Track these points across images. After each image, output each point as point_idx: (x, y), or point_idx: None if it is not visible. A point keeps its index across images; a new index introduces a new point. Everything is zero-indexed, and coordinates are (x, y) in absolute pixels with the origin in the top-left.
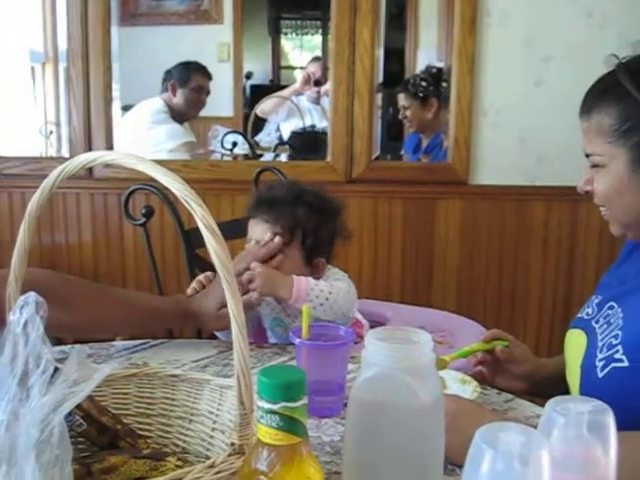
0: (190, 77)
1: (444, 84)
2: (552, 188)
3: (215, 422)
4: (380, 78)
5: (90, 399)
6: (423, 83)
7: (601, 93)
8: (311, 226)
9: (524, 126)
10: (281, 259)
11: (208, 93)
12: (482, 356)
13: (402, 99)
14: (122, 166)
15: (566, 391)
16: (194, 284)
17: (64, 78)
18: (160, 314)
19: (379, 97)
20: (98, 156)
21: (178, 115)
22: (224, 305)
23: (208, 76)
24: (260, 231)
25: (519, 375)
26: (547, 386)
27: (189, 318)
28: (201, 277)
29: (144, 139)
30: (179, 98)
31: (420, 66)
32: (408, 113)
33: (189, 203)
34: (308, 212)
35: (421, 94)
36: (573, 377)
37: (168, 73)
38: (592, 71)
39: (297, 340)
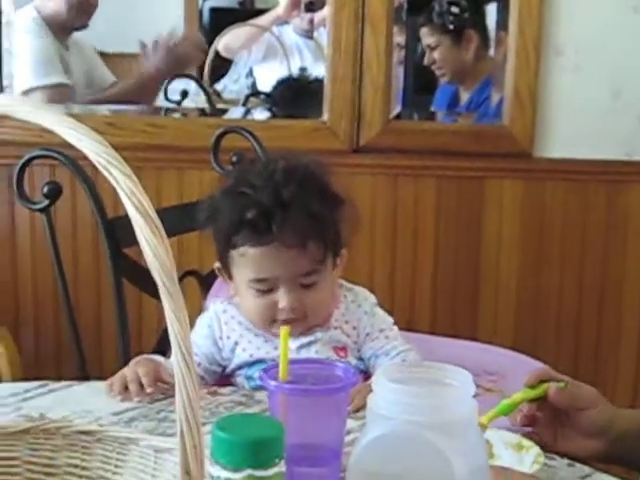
0: None
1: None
2: None
3: None
4: None
5: None
6: (454, 9)
7: None
8: (329, 218)
9: (618, 71)
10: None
11: None
12: (529, 410)
13: (426, 35)
14: (13, 119)
15: None
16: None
17: None
18: None
19: (402, 28)
20: None
21: (60, 26)
22: None
23: None
24: (284, 264)
25: (588, 429)
26: (631, 447)
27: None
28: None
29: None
30: (57, 1)
31: None
32: (436, 55)
33: (113, 174)
34: (321, 200)
35: (452, 26)
36: None
37: None
38: None
39: (271, 383)
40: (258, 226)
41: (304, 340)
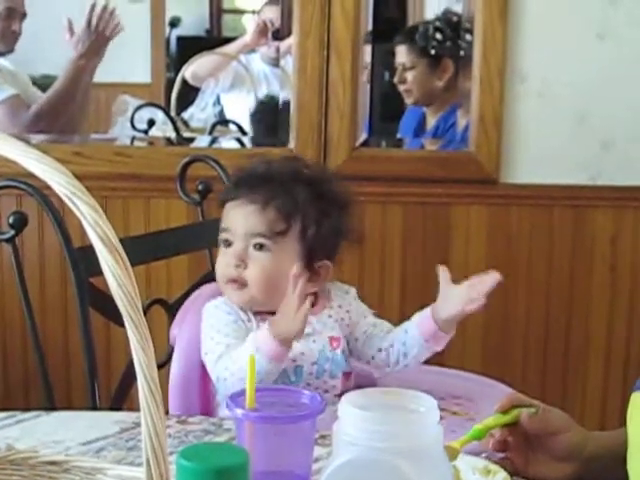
0: None
1: (467, 37)
2: (624, 189)
3: None
4: (369, 26)
5: None
6: (438, 35)
7: None
8: (313, 213)
9: (582, 97)
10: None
11: (23, 17)
12: (501, 434)
13: (403, 54)
14: None
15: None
16: None
17: None
18: None
19: (367, 54)
20: None
21: None
22: None
23: None
24: (242, 217)
25: (560, 453)
26: (602, 468)
27: None
28: None
29: None
30: None
31: (429, 11)
32: (409, 76)
33: (77, 205)
34: (310, 194)
35: (433, 51)
36: (635, 460)
37: None
38: None
39: (237, 411)
40: (237, 183)
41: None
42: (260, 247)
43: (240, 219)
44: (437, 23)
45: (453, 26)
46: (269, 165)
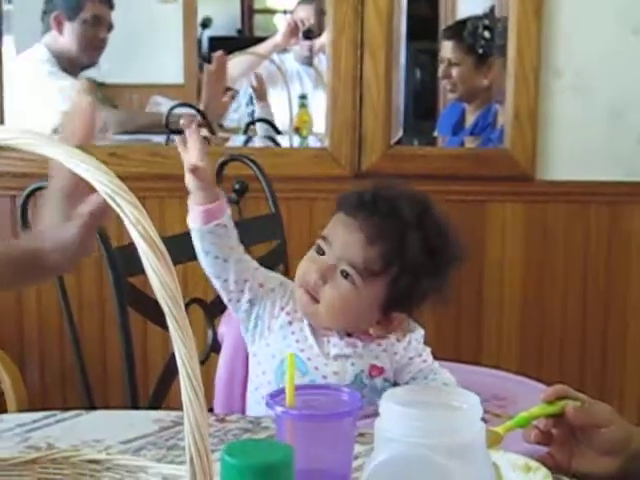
0: (82, 5)
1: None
2: None
3: None
4: (403, 26)
5: None
6: (486, 34)
7: None
8: (414, 265)
9: (618, 93)
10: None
11: (110, 27)
12: (545, 425)
13: (449, 50)
14: (17, 151)
15: None
16: None
17: None
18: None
19: (401, 53)
20: None
21: (70, 63)
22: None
23: (108, 3)
24: (345, 240)
25: (605, 447)
26: None
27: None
28: None
29: (31, 108)
30: (68, 37)
31: (462, 10)
32: (454, 72)
33: (118, 203)
34: (423, 247)
35: (481, 50)
36: None
37: (49, 3)
38: None
39: (278, 409)
40: (361, 203)
41: (346, 351)
42: (346, 275)
43: (342, 240)
44: (486, 21)
45: (500, 25)
46: (399, 196)
